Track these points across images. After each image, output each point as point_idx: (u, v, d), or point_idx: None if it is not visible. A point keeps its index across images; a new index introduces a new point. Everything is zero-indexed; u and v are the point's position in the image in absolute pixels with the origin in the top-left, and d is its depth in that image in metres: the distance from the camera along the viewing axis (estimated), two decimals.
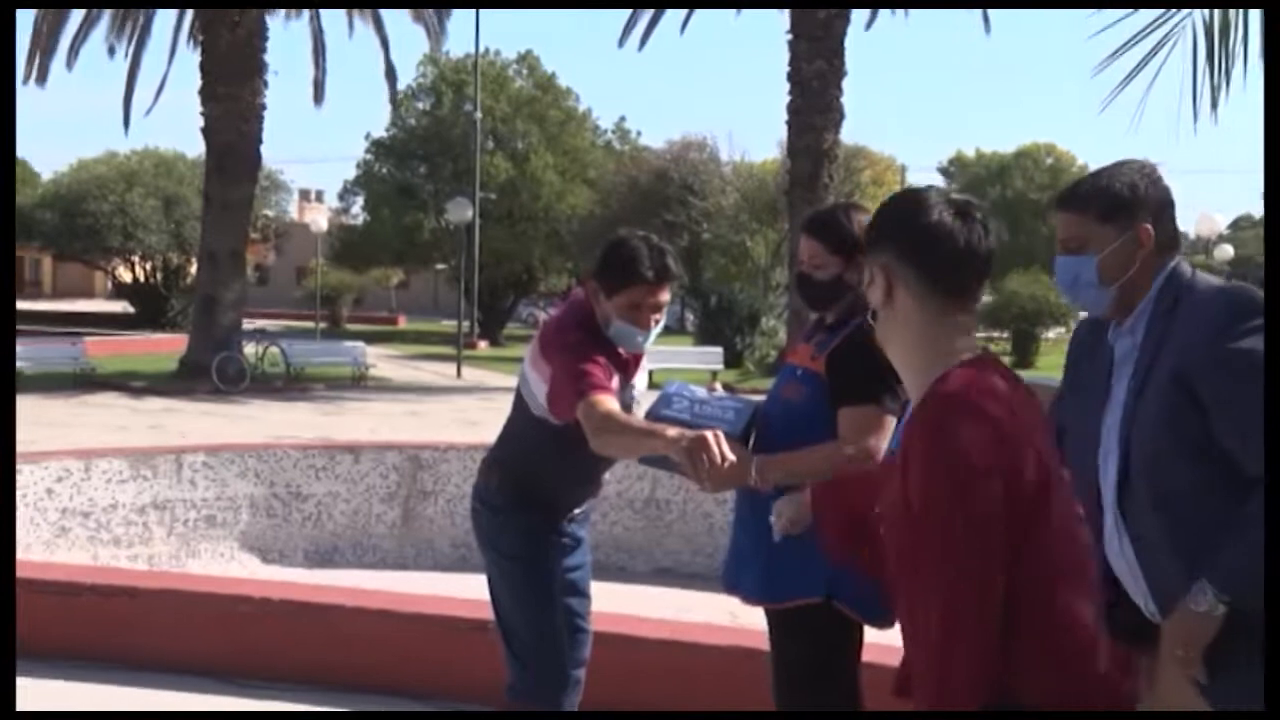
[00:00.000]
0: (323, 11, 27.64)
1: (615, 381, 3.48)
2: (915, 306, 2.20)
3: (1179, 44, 8.65)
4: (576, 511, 3.80)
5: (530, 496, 3.68)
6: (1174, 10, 8.65)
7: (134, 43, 26.96)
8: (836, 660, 3.32)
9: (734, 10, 24.27)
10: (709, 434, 3.02)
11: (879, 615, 3.29)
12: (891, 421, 3.22)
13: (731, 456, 3.01)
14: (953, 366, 2.17)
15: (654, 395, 3.47)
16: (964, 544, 2.05)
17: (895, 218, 2.28)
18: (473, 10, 33.07)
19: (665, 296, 3.50)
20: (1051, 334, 36.92)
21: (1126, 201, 2.58)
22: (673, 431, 3.11)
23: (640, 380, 3.74)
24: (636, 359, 3.69)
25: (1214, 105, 8.99)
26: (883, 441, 3.21)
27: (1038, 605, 2.10)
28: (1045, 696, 2.09)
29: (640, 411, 3.50)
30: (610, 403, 3.32)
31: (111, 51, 26.98)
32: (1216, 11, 8.61)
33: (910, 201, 2.29)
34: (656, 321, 3.53)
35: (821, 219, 3.44)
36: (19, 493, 7.21)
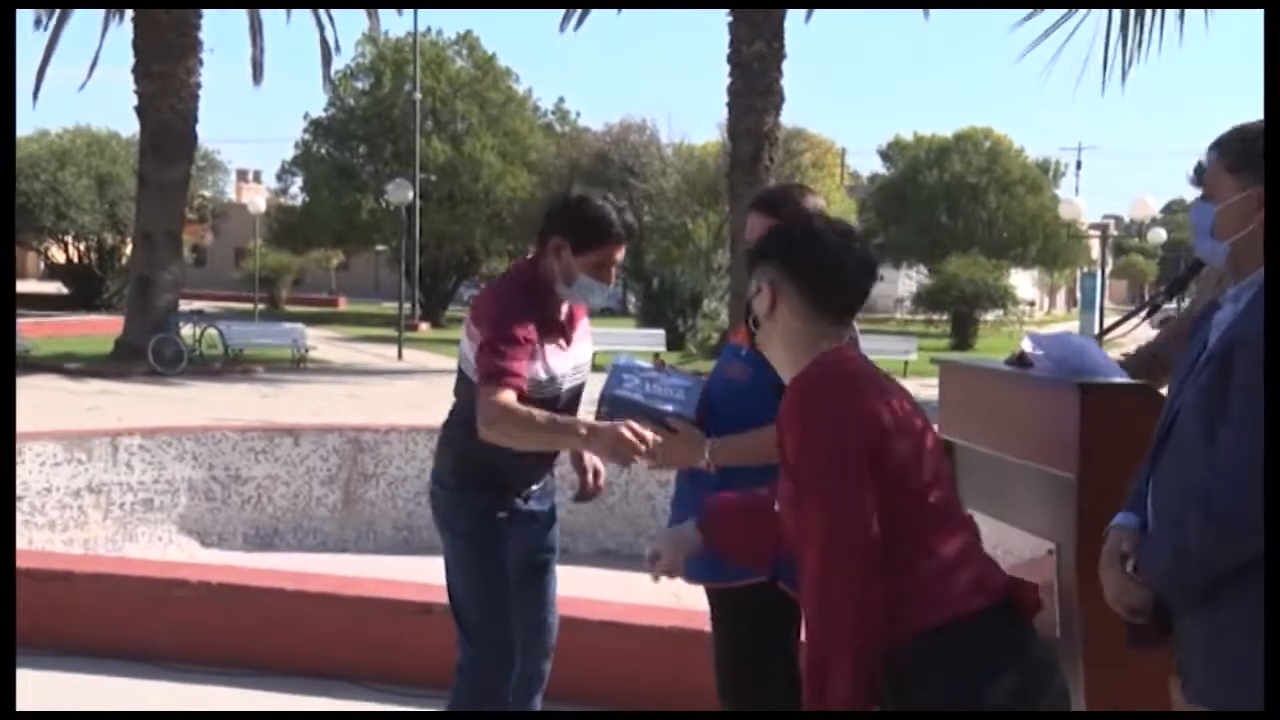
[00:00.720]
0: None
1: (548, 352, 3.51)
2: (795, 321, 2.49)
3: (1092, 13, 8.79)
4: (533, 488, 3.79)
5: (482, 475, 3.66)
6: (1086, 11, 8.82)
7: (54, 17, 26.43)
8: (779, 641, 3.33)
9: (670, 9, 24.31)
10: (623, 428, 3.15)
11: None
12: None
13: (650, 437, 3.17)
14: (824, 350, 2.47)
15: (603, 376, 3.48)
16: (838, 488, 2.31)
17: (787, 240, 2.55)
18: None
19: (622, 254, 3.61)
20: (990, 316, 37.25)
21: (1257, 157, 2.35)
22: (583, 429, 3.25)
23: (584, 351, 3.72)
24: (574, 319, 3.68)
25: (1124, 76, 9.14)
26: None
27: (914, 543, 2.34)
28: (927, 616, 2.29)
29: (594, 390, 3.50)
30: (509, 397, 3.36)
31: (39, 23, 26.49)
32: (1132, 10, 8.77)
33: (802, 226, 2.58)
34: (613, 276, 3.61)
35: (774, 197, 3.47)
36: None
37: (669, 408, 3.25)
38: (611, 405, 3.31)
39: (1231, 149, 2.40)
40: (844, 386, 2.40)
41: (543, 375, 3.49)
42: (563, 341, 3.60)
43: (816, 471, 2.34)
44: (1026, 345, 3.18)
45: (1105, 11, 8.60)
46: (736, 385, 3.34)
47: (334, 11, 27.98)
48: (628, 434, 3.16)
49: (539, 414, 3.36)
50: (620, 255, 3.58)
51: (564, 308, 3.63)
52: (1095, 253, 44.47)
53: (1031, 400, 3.07)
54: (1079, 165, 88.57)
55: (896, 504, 2.33)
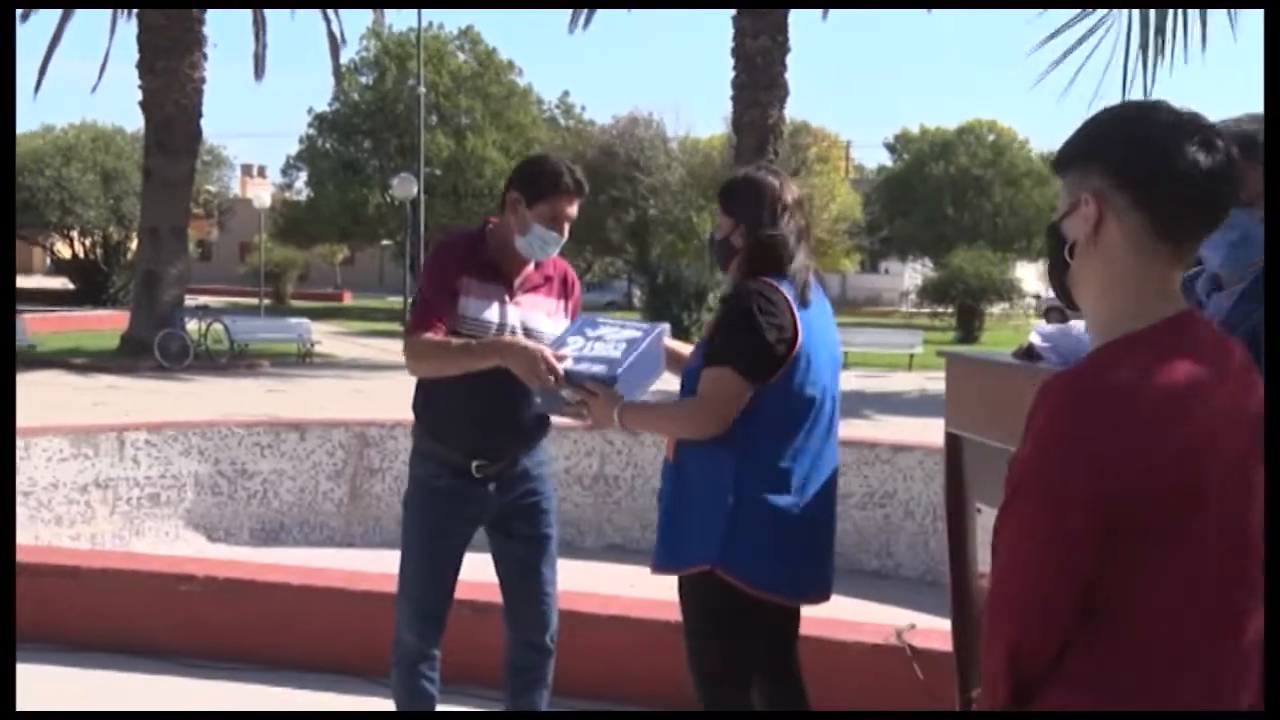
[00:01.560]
0: None
1: (484, 294, 3.67)
2: (1126, 247, 1.76)
3: (1114, 27, 8.75)
4: (493, 464, 3.76)
5: (433, 439, 3.79)
6: (1106, 10, 8.76)
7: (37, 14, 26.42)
8: (727, 626, 3.35)
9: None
10: (539, 357, 3.41)
11: (774, 587, 3.30)
12: (746, 392, 3.22)
13: (556, 365, 3.42)
14: (1140, 329, 1.75)
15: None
16: (1046, 530, 1.73)
17: (1119, 134, 1.78)
18: None
19: (575, 210, 3.76)
20: (996, 309, 37.19)
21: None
22: (500, 347, 3.53)
23: (537, 322, 3.75)
24: (530, 284, 3.77)
25: (1145, 89, 9.09)
26: (732, 409, 3.22)
27: (1150, 623, 1.72)
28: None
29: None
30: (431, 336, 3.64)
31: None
32: (1153, 11, 8.70)
33: (1141, 117, 1.79)
34: (565, 230, 3.75)
35: (730, 184, 3.52)
36: None
37: (598, 369, 3.41)
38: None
39: (1253, 145, 2.34)
40: (1119, 403, 1.69)
41: (470, 313, 3.66)
42: (506, 296, 3.71)
43: (1031, 500, 1.76)
44: (1035, 339, 3.18)
45: (1125, 12, 8.50)
46: (689, 370, 3.48)
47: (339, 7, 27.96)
48: (540, 362, 3.41)
49: (455, 340, 3.61)
50: (572, 210, 3.73)
51: (526, 269, 3.76)
52: None
53: None
54: None
55: (1141, 570, 1.72)
